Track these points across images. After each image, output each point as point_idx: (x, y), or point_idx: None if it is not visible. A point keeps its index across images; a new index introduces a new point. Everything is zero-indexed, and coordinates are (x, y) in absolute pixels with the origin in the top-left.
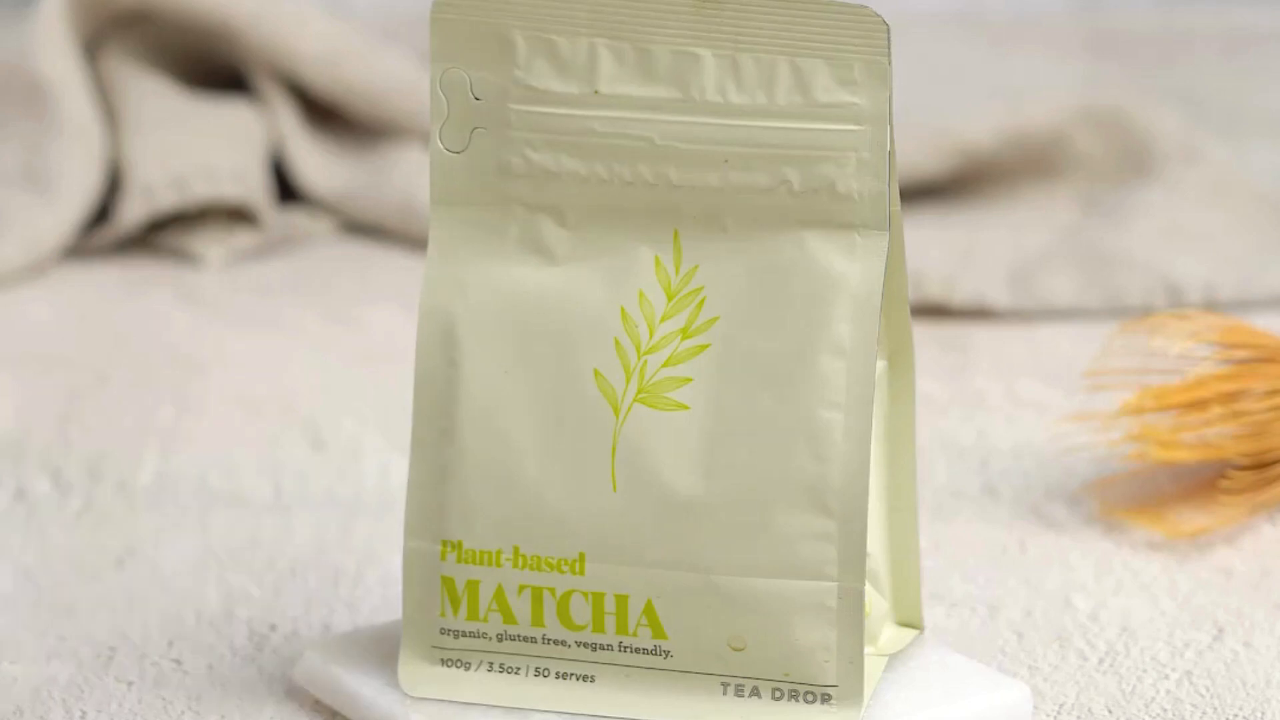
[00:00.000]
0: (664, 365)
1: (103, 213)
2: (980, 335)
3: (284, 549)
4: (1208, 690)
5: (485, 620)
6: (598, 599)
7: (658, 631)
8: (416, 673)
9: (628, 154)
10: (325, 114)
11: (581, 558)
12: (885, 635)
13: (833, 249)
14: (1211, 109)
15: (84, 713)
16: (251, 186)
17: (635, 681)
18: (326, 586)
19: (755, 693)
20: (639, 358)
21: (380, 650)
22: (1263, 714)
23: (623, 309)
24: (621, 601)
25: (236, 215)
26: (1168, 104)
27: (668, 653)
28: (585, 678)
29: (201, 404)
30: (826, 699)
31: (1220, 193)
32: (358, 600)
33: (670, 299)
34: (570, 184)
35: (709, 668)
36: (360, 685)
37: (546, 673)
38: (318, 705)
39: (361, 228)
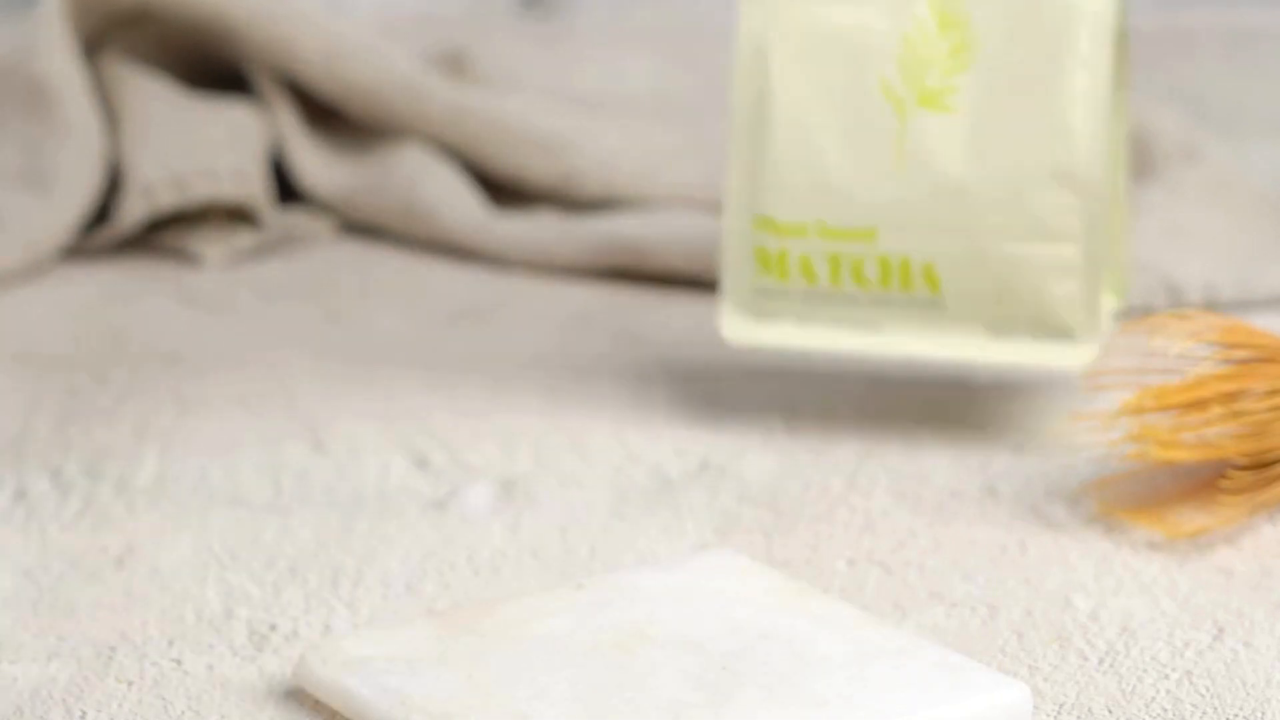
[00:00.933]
0: (938, 76)
1: (103, 213)
2: None
3: (284, 549)
4: (1208, 690)
5: (791, 282)
6: (885, 262)
7: (934, 288)
8: (737, 325)
9: None
10: (325, 114)
11: (873, 229)
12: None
13: None
14: (1211, 109)
15: (84, 713)
16: (251, 186)
17: (915, 327)
18: (326, 586)
19: (1014, 335)
20: (917, 72)
21: (380, 650)
22: (1263, 714)
23: (904, 34)
24: (905, 264)
25: (236, 215)
26: (1168, 104)
27: (943, 305)
28: (873, 325)
29: (201, 404)
30: (1072, 338)
31: (1220, 193)
32: (358, 600)
33: (943, 28)
34: None
35: (976, 316)
36: (360, 685)
37: (841, 322)
38: (318, 705)
39: (361, 228)
